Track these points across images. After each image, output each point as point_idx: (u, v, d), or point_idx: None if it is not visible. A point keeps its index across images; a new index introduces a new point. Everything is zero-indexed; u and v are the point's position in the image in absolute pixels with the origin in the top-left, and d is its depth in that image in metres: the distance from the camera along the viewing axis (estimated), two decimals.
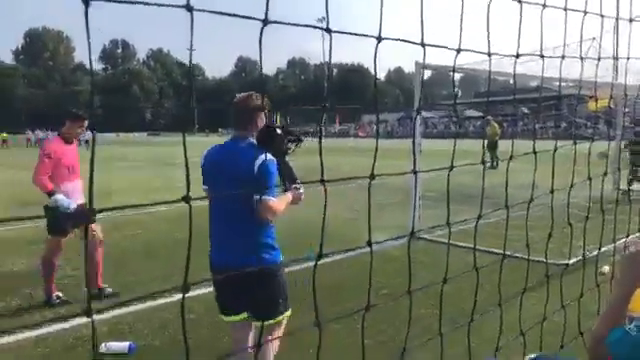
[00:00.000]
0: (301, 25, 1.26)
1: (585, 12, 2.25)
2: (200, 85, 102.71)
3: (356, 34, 1.36)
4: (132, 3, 0.91)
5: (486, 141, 18.39)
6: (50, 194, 4.58)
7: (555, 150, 2.11)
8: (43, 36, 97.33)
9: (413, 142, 2.11)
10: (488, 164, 16.13)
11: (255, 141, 2.80)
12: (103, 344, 3.82)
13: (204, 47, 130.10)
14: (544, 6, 1.92)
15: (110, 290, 5.12)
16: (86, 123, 4.92)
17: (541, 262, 2.44)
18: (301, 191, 2.94)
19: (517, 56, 1.80)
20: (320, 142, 1.36)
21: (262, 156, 2.67)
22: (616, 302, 1.37)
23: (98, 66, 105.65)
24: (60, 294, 4.97)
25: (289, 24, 1.20)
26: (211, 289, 3.56)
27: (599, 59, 2.59)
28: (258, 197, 2.63)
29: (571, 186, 2.25)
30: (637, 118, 13.01)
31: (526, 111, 51.97)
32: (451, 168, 1.72)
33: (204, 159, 2.90)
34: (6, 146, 44.89)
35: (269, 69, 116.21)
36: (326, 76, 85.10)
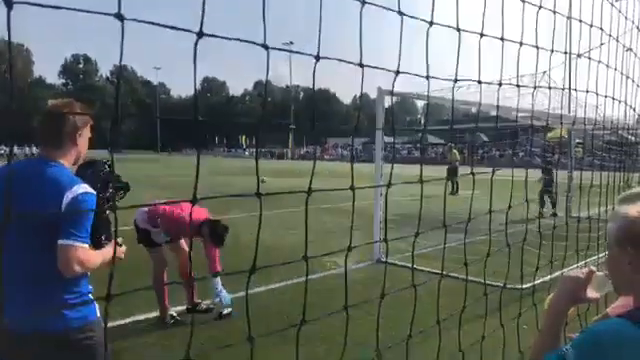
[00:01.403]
0: (237, 39, 1.27)
1: (537, 47, 2.39)
2: (164, 103, 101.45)
3: (297, 52, 1.38)
4: (62, 8, 0.91)
5: (447, 167, 18.91)
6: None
7: (493, 174, 2.19)
8: (1, 48, 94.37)
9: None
10: (449, 190, 16.54)
11: (65, 164, 2.14)
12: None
13: (170, 66, 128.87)
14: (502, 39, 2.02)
15: (204, 305, 5.11)
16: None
17: (495, 286, 2.50)
18: (123, 248, 2.34)
19: (455, 80, 1.88)
20: (257, 160, 1.37)
21: (77, 187, 2.02)
22: (547, 326, 1.39)
23: (58, 81, 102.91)
24: (174, 313, 4.88)
25: (226, 38, 1.20)
26: None
27: (549, 88, 2.73)
28: (63, 242, 1.97)
29: (509, 207, 2.34)
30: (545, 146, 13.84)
31: (485, 139, 53.72)
32: (388, 186, 1.76)
33: None
34: None
35: (236, 90, 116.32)
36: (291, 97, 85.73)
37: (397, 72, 1.55)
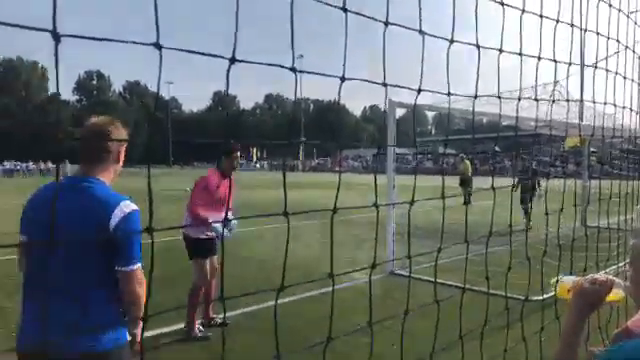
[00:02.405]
0: (267, 64, 1.27)
1: (555, 61, 2.38)
2: (176, 118, 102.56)
3: (321, 74, 1.39)
4: (103, 40, 0.92)
5: (459, 177, 18.81)
6: (203, 222, 4.70)
7: (513, 186, 2.18)
8: (18, 66, 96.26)
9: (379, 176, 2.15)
10: (462, 200, 16.42)
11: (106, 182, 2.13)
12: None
13: (182, 81, 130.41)
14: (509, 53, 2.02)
15: (219, 320, 5.08)
16: (238, 152, 4.99)
17: (516, 298, 2.47)
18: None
19: (475, 97, 1.88)
20: (284, 177, 1.37)
21: (124, 204, 2.02)
22: (567, 335, 1.40)
23: (72, 97, 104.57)
24: (202, 327, 4.89)
25: (257, 63, 1.22)
26: None
27: (556, 100, 2.72)
28: (127, 268, 2.00)
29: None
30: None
31: (497, 149, 53.45)
32: (412, 202, 1.74)
33: (29, 203, 2.10)
34: None
35: (246, 104, 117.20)
36: (301, 111, 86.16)
37: (419, 90, 1.55)
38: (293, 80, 1.27)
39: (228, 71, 1.01)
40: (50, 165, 52.05)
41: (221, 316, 5.17)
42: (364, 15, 1.30)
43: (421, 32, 1.56)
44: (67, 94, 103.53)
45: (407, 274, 6.66)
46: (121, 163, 2.25)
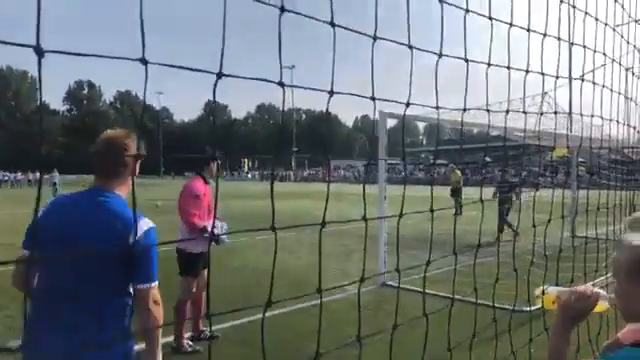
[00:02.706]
0: (254, 78, 1.26)
1: (543, 74, 2.41)
2: (167, 129, 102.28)
3: (309, 88, 1.40)
4: (89, 56, 0.92)
5: (450, 187, 18.88)
6: (202, 231, 4.61)
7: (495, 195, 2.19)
8: (8, 76, 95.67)
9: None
10: (453, 210, 16.47)
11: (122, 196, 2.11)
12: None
13: (173, 90, 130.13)
14: (508, 68, 2.04)
15: (208, 333, 5.02)
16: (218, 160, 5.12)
17: (504, 309, 2.47)
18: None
19: (464, 110, 1.90)
20: (272, 190, 1.37)
21: (143, 222, 2.01)
22: (554, 349, 1.40)
23: (62, 107, 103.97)
24: (190, 342, 4.80)
25: (244, 78, 1.22)
26: None
27: (550, 113, 2.75)
28: (144, 285, 1.99)
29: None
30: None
31: (488, 159, 53.83)
32: (400, 215, 1.75)
33: (44, 218, 2.01)
34: None
35: (238, 114, 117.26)
36: (294, 121, 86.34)
37: (407, 104, 1.56)
38: (288, 91, 1.27)
39: (215, 85, 1.01)
40: (38, 175, 51.43)
41: (211, 329, 5.12)
42: (353, 30, 1.31)
43: (411, 47, 1.57)
44: (57, 104, 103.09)
45: (401, 286, 6.67)
46: (135, 175, 2.16)
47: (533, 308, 2.39)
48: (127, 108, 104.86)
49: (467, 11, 1.85)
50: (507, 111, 2.45)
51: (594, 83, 2.79)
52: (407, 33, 1.60)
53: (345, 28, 1.24)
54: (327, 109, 1.35)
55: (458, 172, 19.52)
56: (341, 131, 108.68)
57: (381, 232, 7.05)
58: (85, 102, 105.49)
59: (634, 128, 4.21)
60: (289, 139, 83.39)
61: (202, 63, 1.11)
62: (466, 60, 1.87)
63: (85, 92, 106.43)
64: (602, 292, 1.44)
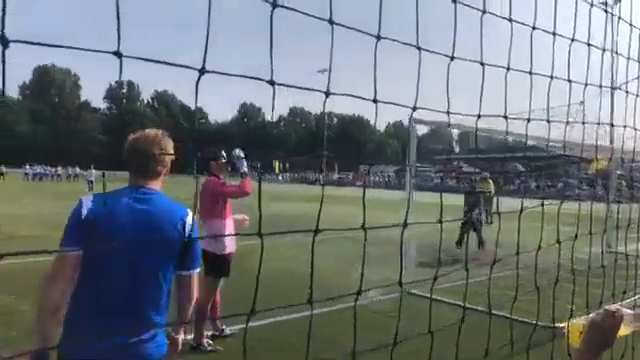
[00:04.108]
0: (297, 87, 1.30)
1: (586, 84, 2.35)
2: (202, 128, 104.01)
3: (352, 95, 1.41)
4: (54, 47, 0.95)
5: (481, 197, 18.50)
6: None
7: (543, 206, 2.14)
8: (52, 73, 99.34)
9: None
10: (484, 220, 16.14)
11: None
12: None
13: (208, 92, 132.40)
14: (551, 77, 2.00)
15: (228, 331, 5.13)
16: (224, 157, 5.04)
17: (526, 323, 2.41)
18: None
19: (505, 117, 1.86)
20: (322, 193, 1.38)
21: (186, 213, 2.16)
22: None
23: (102, 105, 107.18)
24: (210, 341, 4.87)
25: (289, 86, 1.25)
26: None
27: (586, 122, 2.67)
28: (193, 271, 2.20)
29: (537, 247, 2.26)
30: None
31: (521, 168, 52.55)
32: (440, 222, 1.74)
33: (91, 212, 2.01)
34: (2, 179, 44.70)
35: (271, 116, 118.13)
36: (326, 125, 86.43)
37: (414, 108, 1.55)
38: (318, 95, 1.30)
39: (197, 80, 1.03)
40: (78, 170, 53.23)
41: (231, 327, 5.17)
42: (353, 28, 1.31)
43: (419, 48, 1.56)
44: (98, 102, 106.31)
45: (423, 294, 6.57)
46: (168, 173, 2.31)
47: (561, 325, 2.32)
48: (164, 108, 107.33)
49: (510, 21, 1.83)
50: (548, 120, 2.39)
51: (635, 94, 2.69)
52: (452, 43, 1.59)
53: (344, 26, 1.24)
54: (323, 110, 1.36)
55: (490, 181, 19.11)
56: (373, 136, 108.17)
57: (407, 240, 6.98)
58: (124, 101, 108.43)
59: None
60: (320, 143, 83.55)
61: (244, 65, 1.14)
62: (482, 64, 1.85)
63: (125, 91, 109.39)
64: (627, 311, 1.35)
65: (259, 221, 1.21)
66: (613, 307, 1.36)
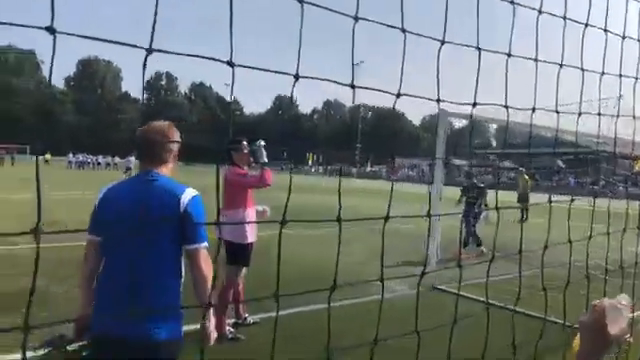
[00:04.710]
0: (327, 80, 1.29)
1: (621, 75, 2.26)
2: (238, 120, 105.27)
3: (377, 90, 1.41)
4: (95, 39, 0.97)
5: (517, 193, 18.05)
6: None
7: (572, 201, 2.07)
8: (94, 65, 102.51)
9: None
10: (518, 217, 15.77)
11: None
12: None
13: (244, 84, 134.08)
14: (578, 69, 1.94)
15: (251, 320, 5.21)
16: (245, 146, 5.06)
17: (557, 322, 2.35)
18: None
19: (533, 110, 1.82)
20: (340, 184, 1.38)
21: (189, 191, 2.28)
22: None
23: (142, 96, 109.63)
24: (232, 329, 4.95)
25: (317, 79, 1.25)
26: None
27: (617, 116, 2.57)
28: (195, 245, 2.25)
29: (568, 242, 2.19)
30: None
31: (562, 165, 50.92)
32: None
33: (102, 203, 2.29)
34: (48, 165, 46.79)
35: (304, 108, 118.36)
36: (360, 117, 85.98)
37: (438, 100, 1.52)
38: (351, 89, 1.29)
39: (233, 76, 1.04)
40: (118, 159, 54.99)
41: (253, 316, 5.24)
42: (379, 22, 1.30)
43: (478, 48, 1.55)
44: (137, 93, 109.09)
45: (449, 290, 6.48)
46: (176, 160, 2.51)
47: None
48: (200, 100, 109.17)
49: (540, 12, 1.78)
50: (579, 113, 2.32)
51: None
52: (476, 33, 1.57)
53: (369, 20, 1.23)
54: (353, 102, 1.35)
55: (526, 177, 18.62)
56: (407, 129, 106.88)
57: (434, 233, 6.87)
58: (163, 93, 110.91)
59: None
60: (354, 135, 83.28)
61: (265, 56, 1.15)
62: (535, 60, 1.80)
63: (163, 83, 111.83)
64: (609, 302, 1.19)
65: (284, 211, 1.22)
66: (599, 302, 1.23)
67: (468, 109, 1.68)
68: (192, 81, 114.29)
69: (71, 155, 55.89)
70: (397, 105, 1.45)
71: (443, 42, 1.45)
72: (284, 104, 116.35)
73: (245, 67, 1.00)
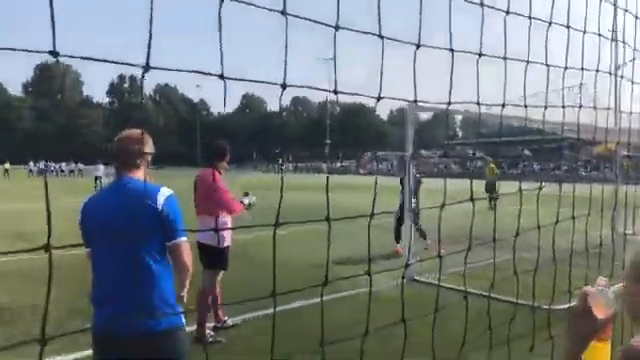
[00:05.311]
0: (317, 88, 1.33)
1: (583, 69, 2.37)
2: (205, 120, 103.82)
3: (359, 94, 1.45)
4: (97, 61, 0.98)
5: (484, 182, 18.51)
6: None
7: (540, 189, 2.17)
8: (53, 69, 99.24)
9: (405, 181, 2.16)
10: (487, 205, 16.16)
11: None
12: None
13: (210, 83, 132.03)
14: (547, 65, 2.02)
15: (230, 322, 5.19)
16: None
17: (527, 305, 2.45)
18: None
19: (503, 105, 1.89)
20: (327, 181, 1.42)
21: (164, 190, 2.39)
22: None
23: (104, 99, 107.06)
24: (212, 332, 4.91)
25: (308, 87, 1.27)
26: None
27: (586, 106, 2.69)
28: (180, 239, 2.38)
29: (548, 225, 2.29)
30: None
31: (528, 153, 52.35)
32: (442, 206, 1.77)
33: (83, 213, 2.44)
34: (7, 176, 44.98)
35: (273, 106, 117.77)
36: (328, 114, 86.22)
37: (415, 101, 1.58)
38: (319, 84, 1.32)
39: (225, 90, 1.06)
40: (81, 166, 53.39)
41: (233, 318, 5.22)
42: (359, 31, 1.34)
43: (451, 50, 1.60)
44: (100, 96, 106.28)
45: (427, 281, 6.59)
46: (148, 164, 2.61)
47: (554, 307, 2.35)
48: (165, 101, 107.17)
49: (507, 13, 1.86)
50: (545, 107, 2.42)
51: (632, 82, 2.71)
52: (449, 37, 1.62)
53: (350, 30, 1.27)
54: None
55: (493, 166, 19.12)
56: (375, 124, 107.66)
57: (406, 228, 6.99)
58: (126, 95, 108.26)
59: None
60: (323, 131, 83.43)
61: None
62: (504, 58, 1.88)
63: (127, 86, 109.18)
64: (605, 290, 1.24)
65: (277, 212, 1.24)
66: (588, 288, 1.28)
67: (436, 103, 1.73)
68: (157, 82, 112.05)
69: (32, 163, 53.95)
70: (364, 101, 1.49)
71: (419, 46, 1.50)
72: (251, 103, 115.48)
73: (235, 80, 1.02)
